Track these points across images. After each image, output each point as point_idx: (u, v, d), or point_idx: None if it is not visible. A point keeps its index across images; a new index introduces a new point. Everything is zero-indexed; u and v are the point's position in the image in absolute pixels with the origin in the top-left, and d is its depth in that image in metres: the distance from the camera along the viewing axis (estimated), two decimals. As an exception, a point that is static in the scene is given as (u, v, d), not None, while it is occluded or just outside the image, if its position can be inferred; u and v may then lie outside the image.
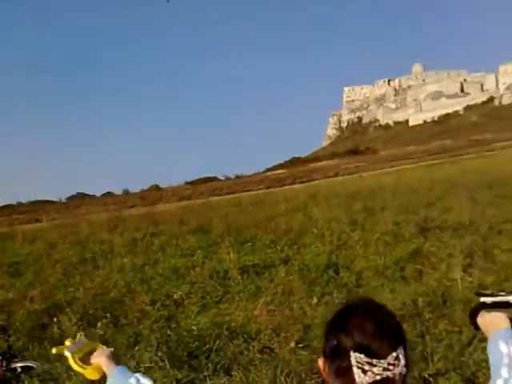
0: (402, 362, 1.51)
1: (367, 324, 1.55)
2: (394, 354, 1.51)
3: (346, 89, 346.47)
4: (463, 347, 6.34)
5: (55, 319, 9.40)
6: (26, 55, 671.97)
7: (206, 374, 6.47)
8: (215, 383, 6.24)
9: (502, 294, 2.25)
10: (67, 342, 2.26)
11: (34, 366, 7.38)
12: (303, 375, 5.93)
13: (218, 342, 7.52)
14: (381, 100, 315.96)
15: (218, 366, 6.72)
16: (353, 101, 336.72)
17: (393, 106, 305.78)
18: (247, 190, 59.90)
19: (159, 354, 7.11)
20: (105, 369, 2.09)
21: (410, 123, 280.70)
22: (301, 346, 7.14)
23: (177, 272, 12.62)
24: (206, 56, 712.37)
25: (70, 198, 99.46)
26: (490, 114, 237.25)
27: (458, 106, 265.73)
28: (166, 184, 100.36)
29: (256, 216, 22.64)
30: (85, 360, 2.17)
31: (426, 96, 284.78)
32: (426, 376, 5.68)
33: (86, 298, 10.88)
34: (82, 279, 12.94)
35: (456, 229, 13.78)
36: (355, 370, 1.50)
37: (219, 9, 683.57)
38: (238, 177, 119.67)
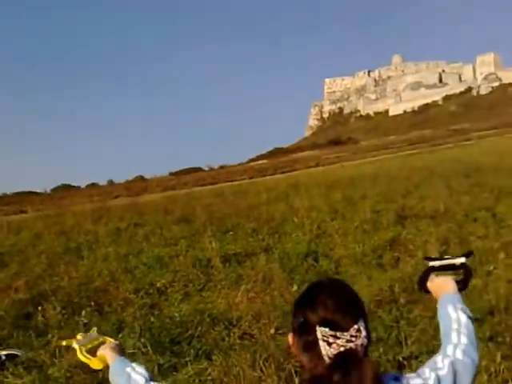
0: (363, 333, 1.67)
1: (330, 300, 1.69)
2: (356, 327, 1.65)
3: (327, 80, 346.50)
4: (436, 331, 6.47)
5: (40, 308, 9.45)
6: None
7: (187, 359, 6.56)
8: (196, 368, 6.30)
9: (448, 257, 2.43)
10: (78, 336, 2.43)
11: (18, 354, 7.39)
12: (281, 359, 6.01)
13: (199, 329, 7.60)
14: (361, 91, 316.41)
15: (200, 352, 6.81)
16: (334, 92, 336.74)
17: (373, 96, 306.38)
18: (230, 181, 59.90)
19: (142, 340, 7.19)
20: (108, 359, 2.22)
21: (390, 113, 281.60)
22: (280, 332, 7.21)
23: (160, 261, 12.61)
24: (188, 45, 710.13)
25: (55, 190, 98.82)
26: (468, 103, 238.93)
27: (436, 96, 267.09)
28: (150, 175, 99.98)
29: (238, 206, 22.65)
30: (92, 352, 2.31)
31: (406, 86, 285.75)
32: (400, 359, 5.81)
33: (70, 287, 10.87)
34: (66, 269, 12.89)
35: (433, 216, 13.93)
36: (321, 343, 1.64)
37: None
38: (221, 167, 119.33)
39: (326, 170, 50.01)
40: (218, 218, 19.24)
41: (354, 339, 1.63)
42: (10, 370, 6.84)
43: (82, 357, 2.31)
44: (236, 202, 25.29)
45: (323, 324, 1.65)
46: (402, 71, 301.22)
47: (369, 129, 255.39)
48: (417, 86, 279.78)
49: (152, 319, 8.36)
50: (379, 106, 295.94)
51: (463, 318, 2.06)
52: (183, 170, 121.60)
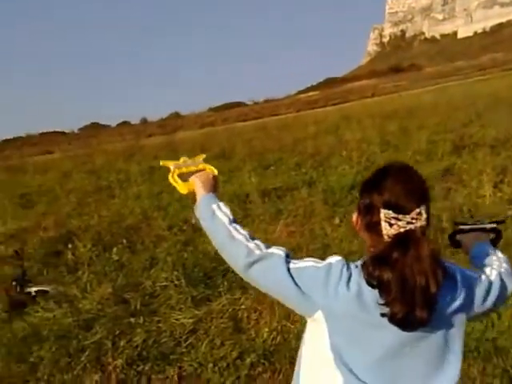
0: (424, 216, 1.89)
1: (396, 185, 1.93)
2: (418, 210, 1.88)
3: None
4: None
5: (70, 246, 10.00)
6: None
7: (221, 289, 7.04)
8: (230, 298, 6.77)
9: (479, 222, 2.64)
10: (181, 159, 2.63)
11: (48, 290, 7.99)
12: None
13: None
14: (427, 10, 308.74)
15: (234, 284, 7.24)
16: (396, 12, 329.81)
17: (440, 16, 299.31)
18: (275, 115, 59.76)
19: (175, 273, 7.68)
20: (196, 189, 2.38)
21: (459, 35, 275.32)
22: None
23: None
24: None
25: (83, 129, 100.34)
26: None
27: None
28: (187, 111, 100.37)
29: (282, 140, 22.92)
30: (186, 176, 2.48)
31: (478, 5, 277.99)
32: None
33: (100, 225, 11.41)
34: (96, 207, 13.48)
35: (493, 146, 14.00)
36: (383, 223, 1.92)
37: None
38: (266, 101, 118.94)
39: (382, 101, 49.44)
40: (259, 153, 19.59)
41: (414, 221, 1.86)
42: (41, 304, 7.43)
43: (171, 179, 2.49)
44: (280, 136, 25.50)
45: (387, 206, 1.90)
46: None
47: (434, 53, 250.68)
48: (490, 3, 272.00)
49: (185, 255, 8.73)
50: (446, 28, 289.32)
51: (501, 255, 2.40)
52: (224, 105, 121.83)
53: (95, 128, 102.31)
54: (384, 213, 1.91)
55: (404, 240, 1.86)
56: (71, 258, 9.52)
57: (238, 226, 2.17)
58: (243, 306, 6.53)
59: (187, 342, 6.02)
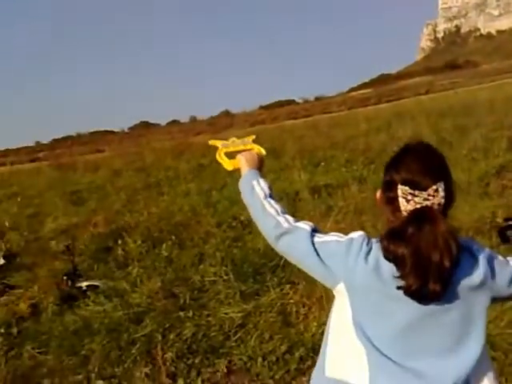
0: (441, 194, 2.00)
1: (413, 162, 2.06)
2: (434, 187, 1.99)
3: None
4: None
5: (119, 242, 10.23)
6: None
7: (269, 283, 7.13)
8: (279, 292, 6.86)
9: None
10: (230, 139, 2.83)
11: (99, 285, 8.18)
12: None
13: (284, 259, 8.04)
14: (481, 6, 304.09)
15: (283, 280, 7.32)
16: (450, 8, 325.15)
17: (495, 12, 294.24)
18: (327, 112, 59.64)
19: (224, 268, 7.80)
20: (241, 167, 2.61)
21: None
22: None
23: (245, 195, 13.01)
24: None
25: (133, 128, 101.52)
26: None
27: None
28: (237, 109, 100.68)
29: (333, 137, 22.91)
30: (235, 155, 2.67)
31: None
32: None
33: (150, 222, 11.57)
34: (146, 204, 13.68)
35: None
36: (400, 199, 2.04)
37: None
38: (317, 99, 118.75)
39: (437, 97, 48.94)
40: (309, 150, 19.59)
41: (430, 198, 1.98)
42: (92, 298, 7.62)
43: (217, 156, 2.72)
44: (331, 133, 25.50)
45: (404, 183, 2.02)
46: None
47: (490, 50, 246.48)
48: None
49: (235, 251, 8.87)
50: (503, 24, 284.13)
51: None
52: (274, 104, 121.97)
53: (145, 127, 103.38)
54: (401, 189, 2.03)
55: (420, 216, 1.96)
56: (121, 254, 9.74)
57: (272, 201, 2.39)
58: (292, 301, 6.62)
59: (236, 336, 6.12)
